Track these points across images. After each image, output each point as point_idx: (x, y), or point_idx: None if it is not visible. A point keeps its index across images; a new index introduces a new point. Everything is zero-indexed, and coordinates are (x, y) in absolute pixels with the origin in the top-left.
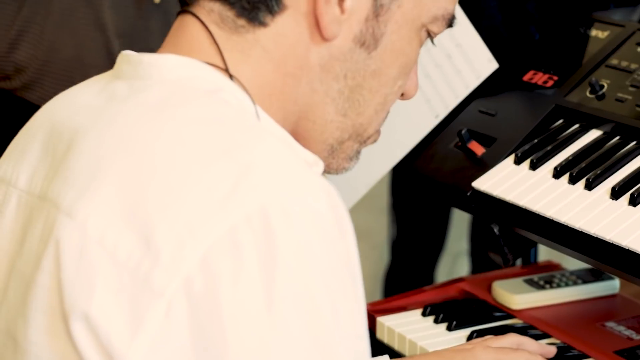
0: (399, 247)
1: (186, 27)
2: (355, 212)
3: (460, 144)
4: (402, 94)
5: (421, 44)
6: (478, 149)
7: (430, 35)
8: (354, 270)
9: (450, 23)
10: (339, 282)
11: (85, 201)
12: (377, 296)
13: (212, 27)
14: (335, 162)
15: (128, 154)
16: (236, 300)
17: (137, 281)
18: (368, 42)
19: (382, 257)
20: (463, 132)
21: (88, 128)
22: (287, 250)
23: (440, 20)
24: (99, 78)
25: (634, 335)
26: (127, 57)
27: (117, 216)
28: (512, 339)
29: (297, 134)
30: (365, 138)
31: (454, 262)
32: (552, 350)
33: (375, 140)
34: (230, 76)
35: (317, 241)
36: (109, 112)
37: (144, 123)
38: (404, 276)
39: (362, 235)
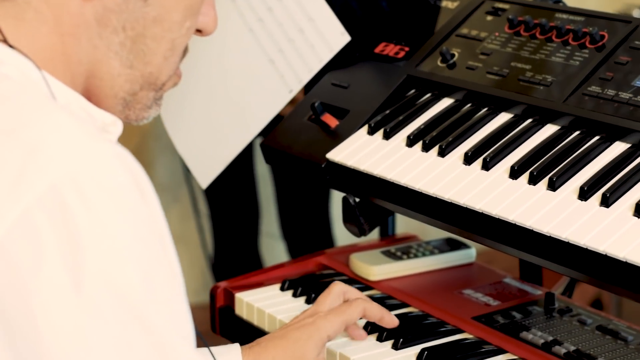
0: (216, 227)
1: None
2: (169, 217)
3: (313, 116)
4: (201, 31)
5: None
6: (332, 121)
7: None
8: (161, 232)
9: None
10: (147, 249)
11: None
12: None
13: None
14: (133, 113)
15: None
16: (42, 287)
17: None
18: None
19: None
20: (316, 104)
21: None
22: (87, 228)
23: None
24: None
25: (491, 302)
26: None
27: None
28: (338, 288)
29: (89, 93)
30: (159, 85)
31: (274, 244)
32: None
33: (175, 84)
34: (10, 46)
35: (117, 212)
36: None
37: None
38: (229, 266)
39: (178, 240)
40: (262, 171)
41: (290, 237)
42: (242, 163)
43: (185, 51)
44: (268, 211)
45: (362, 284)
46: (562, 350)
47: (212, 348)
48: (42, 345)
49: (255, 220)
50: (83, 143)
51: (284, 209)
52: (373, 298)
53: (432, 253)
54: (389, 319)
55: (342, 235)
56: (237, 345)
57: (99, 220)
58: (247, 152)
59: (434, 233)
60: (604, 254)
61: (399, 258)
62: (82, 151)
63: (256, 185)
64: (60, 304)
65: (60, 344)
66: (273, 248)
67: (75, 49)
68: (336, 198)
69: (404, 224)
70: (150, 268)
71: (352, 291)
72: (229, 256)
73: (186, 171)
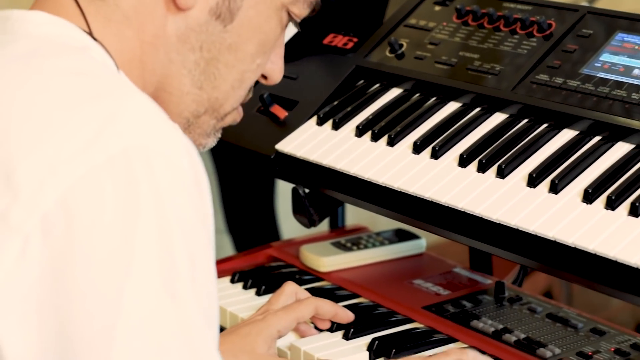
0: None
1: None
2: None
3: (262, 108)
4: (266, 78)
5: (282, 25)
6: (280, 113)
7: (292, 18)
8: (209, 230)
9: (313, 7)
10: (197, 239)
11: None
12: None
13: None
14: (191, 137)
15: None
16: (92, 241)
17: None
18: (224, 14)
19: None
20: (265, 96)
21: None
22: (148, 197)
23: (301, 2)
24: None
25: (441, 291)
26: None
27: None
28: (290, 288)
29: None
30: (222, 114)
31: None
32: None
33: (235, 120)
34: (94, 39)
35: (178, 194)
36: None
37: (9, 72)
38: None
39: None
40: (207, 166)
41: (236, 232)
42: None
43: (249, 91)
44: (213, 206)
45: (312, 276)
46: (512, 338)
47: None
48: (74, 300)
49: None
50: (159, 122)
51: (229, 204)
52: (323, 289)
53: (382, 244)
54: (343, 315)
55: (288, 230)
56: None
57: (160, 193)
58: None
59: (384, 224)
60: (553, 240)
61: (349, 249)
62: (157, 128)
63: None
64: (105, 262)
65: (92, 301)
66: (219, 242)
67: (152, 58)
68: (281, 192)
69: (354, 216)
70: (196, 255)
71: (303, 292)
72: None
73: None
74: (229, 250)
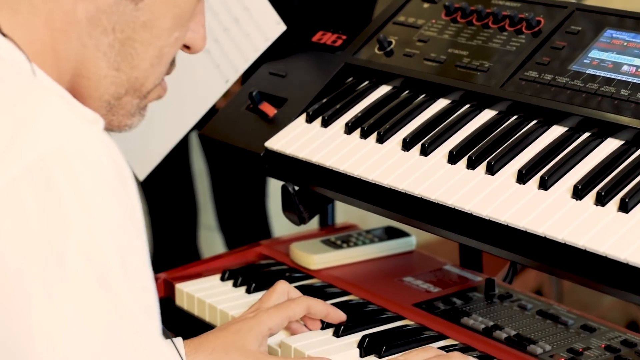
0: (154, 223)
1: None
2: None
3: (251, 106)
4: (189, 47)
5: None
6: (270, 110)
7: None
8: (138, 223)
9: None
10: (126, 235)
11: None
12: None
13: None
14: (116, 119)
15: None
16: (20, 252)
17: None
18: None
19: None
20: (254, 93)
21: None
22: (71, 202)
23: None
24: None
25: (432, 288)
26: None
27: None
28: (282, 287)
29: (75, 92)
30: (144, 93)
31: (212, 236)
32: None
33: (159, 96)
34: (3, 34)
35: (101, 192)
36: None
37: None
38: (168, 260)
39: None
40: (199, 164)
41: (228, 230)
42: (178, 157)
43: (172, 64)
44: (206, 204)
45: (303, 273)
46: (502, 335)
47: None
48: (22, 318)
49: (193, 214)
50: (73, 122)
51: (221, 201)
52: (313, 287)
53: (372, 241)
54: (335, 314)
55: (279, 228)
56: (179, 338)
57: (83, 196)
58: (183, 146)
59: (373, 222)
60: (543, 236)
61: (339, 247)
62: (71, 129)
63: (193, 179)
64: (39, 274)
65: (36, 315)
66: (211, 241)
67: (64, 45)
68: (273, 190)
69: (344, 214)
70: (127, 253)
71: (295, 291)
72: (168, 250)
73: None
74: (220, 248)
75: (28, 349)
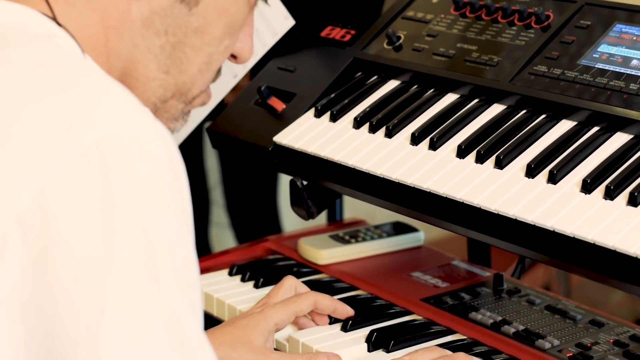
0: None
1: None
2: None
3: (260, 100)
4: (235, 57)
5: (250, 4)
6: (278, 105)
7: None
8: (188, 216)
9: None
10: (176, 226)
11: None
12: None
13: None
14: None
15: None
16: (72, 238)
17: None
18: None
19: None
20: (262, 88)
21: None
22: (125, 187)
23: None
24: None
25: (440, 284)
26: None
27: None
28: (289, 282)
29: None
30: (190, 98)
31: (223, 233)
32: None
33: (204, 102)
34: (59, 25)
35: (155, 183)
36: None
37: None
38: None
39: None
40: (212, 162)
41: (239, 225)
42: (192, 154)
43: (218, 72)
44: (217, 201)
45: (311, 268)
46: (511, 330)
47: None
48: (58, 298)
49: (205, 210)
50: (131, 110)
51: (232, 198)
52: (321, 282)
53: (380, 237)
54: (342, 310)
55: (289, 224)
56: None
57: (138, 183)
58: (197, 143)
59: (381, 218)
60: (552, 230)
61: (347, 242)
62: (129, 116)
63: (206, 177)
64: (87, 257)
65: (77, 298)
66: (222, 238)
67: (116, 43)
68: (284, 186)
69: (352, 209)
70: (175, 244)
71: (303, 286)
72: None
73: None
74: (230, 244)
75: (71, 334)
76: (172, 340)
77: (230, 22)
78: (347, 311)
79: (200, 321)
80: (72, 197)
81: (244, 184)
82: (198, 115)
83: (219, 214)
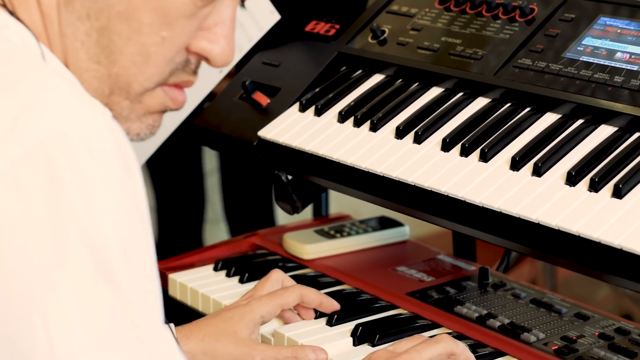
0: (161, 218)
1: None
2: None
3: (244, 95)
4: (208, 60)
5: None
6: (263, 100)
7: None
8: (142, 209)
9: None
10: (127, 221)
11: None
12: None
13: None
14: None
15: None
16: (20, 236)
17: None
18: None
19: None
20: (247, 83)
21: None
22: (72, 185)
23: None
24: None
25: (425, 278)
26: None
27: None
28: (276, 275)
29: None
30: (133, 94)
31: (216, 229)
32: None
33: (164, 105)
34: (12, 13)
35: (102, 177)
36: None
37: None
38: (172, 253)
39: None
40: (211, 161)
41: (233, 219)
42: (190, 154)
43: (187, 73)
44: (213, 198)
45: (296, 263)
46: (496, 323)
47: None
48: (13, 299)
49: (200, 210)
50: (76, 106)
51: (228, 191)
52: (307, 276)
53: (365, 231)
54: (328, 304)
55: (283, 220)
56: (171, 324)
57: (85, 181)
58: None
59: (367, 213)
60: (537, 222)
61: (332, 237)
62: (74, 113)
63: (203, 176)
64: (40, 259)
65: (29, 299)
66: (215, 234)
67: (51, 31)
68: None
69: (337, 205)
70: (129, 240)
71: (290, 280)
72: (172, 243)
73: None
74: (224, 237)
75: (29, 335)
76: (130, 337)
77: (159, 9)
78: (333, 305)
79: (160, 314)
80: (19, 198)
81: (240, 178)
82: (182, 111)
83: (213, 212)
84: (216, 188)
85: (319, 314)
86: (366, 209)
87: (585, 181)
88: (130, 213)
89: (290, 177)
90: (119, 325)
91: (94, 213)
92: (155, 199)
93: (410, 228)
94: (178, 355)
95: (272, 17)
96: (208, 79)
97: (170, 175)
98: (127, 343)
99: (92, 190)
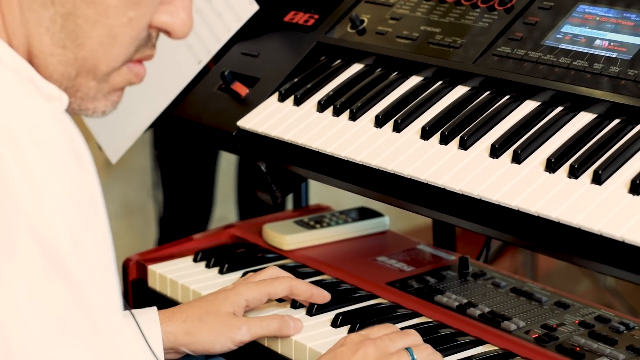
0: (166, 221)
1: None
2: (128, 187)
3: (223, 85)
4: (169, 33)
5: None
6: (242, 90)
7: None
8: (95, 198)
9: None
10: (79, 211)
11: None
12: None
13: None
14: (75, 102)
15: None
16: None
17: None
18: None
19: (154, 231)
20: (226, 73)
21: None
22: (19, 180)
23: None
24: None
25: (405, 267)
26: None
27: None
28: (271, 270)
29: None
30: (100, 75)
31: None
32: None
33: (129, 81)
34: None
35: (50, 170)
36: None
37: None
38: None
39: (135, 210)
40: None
41: (243, 202)
42: (205, 158)
43: (147, 48)
44: (226, 199)
45: (275, 254)
46: (476, 312)
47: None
48: None
49: (207, 210)
50: (21, 99)
51: (242, 175)
52: (286, 267)
53: (345, 222)
54: (319, 295)
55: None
56: (154, 307)
57: (31, 174)
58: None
59: (347, 204)
60: (517, 209)
61: (312, 227)
62: (19, 106)
63: (215, 177)
64: None
65: None
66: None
67: (10, 19)
68: None
69: (317, 196)
70: (81, 230)
71: (286, 274)
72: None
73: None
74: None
75: None
76: (86, 329)
77: None
78: (324, 296)
79: (117, 303)
80: None
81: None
82: (161, 102)
83: (220, 210)
84: (232, 181)
85: (298, 304)
86: (346, 200)
87: (565, 168)
88: (81, 203)
89: (268, 167)
90: (74, 317)
91: (42, 205)
92: (163, 199)
93: (391, 222)
94: (137, 345)
95: (251, 7)
96: (186, 71)
97: (181, 178)
98: (83, 335)
99: (39, 182)
